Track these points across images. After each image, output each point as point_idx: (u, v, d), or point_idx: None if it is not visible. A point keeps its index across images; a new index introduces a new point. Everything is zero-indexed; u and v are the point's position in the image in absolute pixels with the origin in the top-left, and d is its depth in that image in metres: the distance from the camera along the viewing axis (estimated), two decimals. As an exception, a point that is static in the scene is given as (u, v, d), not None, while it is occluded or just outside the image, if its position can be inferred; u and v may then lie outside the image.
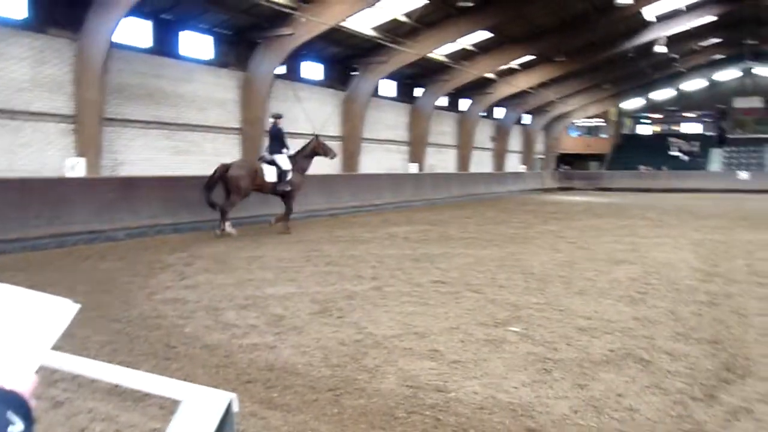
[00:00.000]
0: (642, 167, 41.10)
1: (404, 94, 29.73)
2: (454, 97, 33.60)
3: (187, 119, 19.10)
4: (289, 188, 12.67)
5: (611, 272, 8.24)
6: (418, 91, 30.24)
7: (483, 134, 37.45)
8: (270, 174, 12.50)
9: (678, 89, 47.22)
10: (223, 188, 12.20)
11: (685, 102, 48.08)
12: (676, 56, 37.23)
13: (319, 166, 24.14)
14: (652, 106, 49.54)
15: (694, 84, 46.56)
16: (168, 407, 3.32)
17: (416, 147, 30.01)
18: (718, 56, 40.77)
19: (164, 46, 18.25)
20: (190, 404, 1.46)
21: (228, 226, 12.08)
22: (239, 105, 20.69)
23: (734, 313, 5.94)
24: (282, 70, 21.68)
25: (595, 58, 32.80)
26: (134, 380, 1.67)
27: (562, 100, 39.10)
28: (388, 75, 25.96)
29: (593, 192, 35.72)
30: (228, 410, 1.44)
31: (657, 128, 51.57)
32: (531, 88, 34.34)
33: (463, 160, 34.37)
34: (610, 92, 41.46)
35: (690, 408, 3.56)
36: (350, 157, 25.24)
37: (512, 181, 35.37)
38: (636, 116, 51.75)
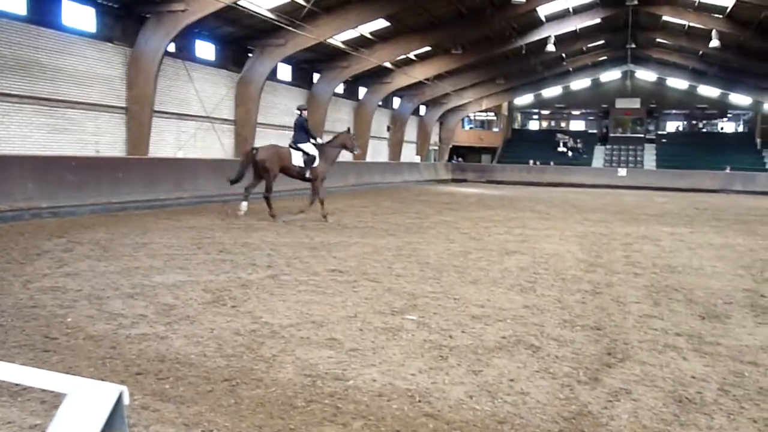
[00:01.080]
0: (531, 162, 42.96)
1: (301, 79, 29.42)
2: (352, 84, 33.66)
3: (66, 95, 17.96)
4: (311, 174, 13.16)
5: (503, 262, 8.57)
6: (315, 77, 30.01)
7: (380, 123, 37.80)
8: (297, 158, 13.05)
9: (565, 88, 49.74)
10: (253, 171, 12.95)
11: (571, 100, 50.89)
12: (564, 56, 39.25)
13: (210, 149, 23.58)
14: (542, 103, 52.03)
15: (580, 83, 49.24)
16: (50, 402, 3.15)
17: (312, 134, 29.82)
18: (602, 58, 43.28)
19: (42, 15, 17.04)
20: (76, 397, 1.38)
21: (244, 206, 12.93)
22: (125, 82, 19.69)
23: (614, 301, 6.36)
24: (173, 47, 20.86)
25: (490, 53, 33.88)
26: (11, 373, 1.54)
27: (457, 92, 40.12)
28: (285, 59, 25.59)
29: (485, 184, 36.99)
30: (118, 403, 1.37)
31: (545, 124, 54.31)
32: (428, 79, 34.98)
33: (360, 149, 34.51)
34: (503, 87, 42.96)
35: (576, 390, 3.78)
36: (244, 142, 24.67)
37: (408, 171, 35.95)
38: (526, 112, 54.17)
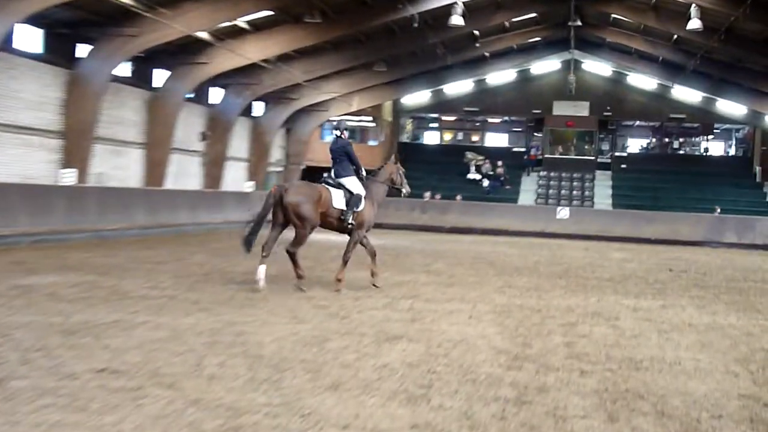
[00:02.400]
0: (428, 195, 43.67)
1: (58, 52, 28.59)
2: (145, 64, 33.16)
3: None
4: (352, 221, 14.43)
5: (381, 354, 8.64)
6: (82, 49, 29.28)
7: (188, 128, 37.36)
8: (338, 200, 14.28)
9: (480, 83, 51.37)
10: (277, 217, 13.94)
11: (488, 102, 52.32)
12: (478, 34, 40.46)
13: None
14: (444, 105, 53.30)
15: (501, 77, 51.11)
16: None
17: (74, 141, 28.87)
18: (533, 39, 45.10)
19: None
20: None
21: (263, 273, 13.56)
22: None
23: (550, 414, 6.54)
24: None
25: (364, 24, 34.37)
26: None
27: (314, 83, 40.50)
28: (30, 17, 24.78)
29: (356, 228, 37.26)
30: None
31: (449, 137, 56.03)
32: (267, 60, 35.04)
33: (156, 168, 33.88)
34: (386, 78, 43.79)
35: None
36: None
37: (234, 205, 35.61)
38: (421, 117, 55.76)
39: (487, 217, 40.09)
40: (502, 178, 48.90)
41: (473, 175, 49.05)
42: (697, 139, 54.88)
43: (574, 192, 48.66)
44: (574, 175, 49.71)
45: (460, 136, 56.15)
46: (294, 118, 45.48)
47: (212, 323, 10.02)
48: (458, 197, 43.82)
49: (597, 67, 50.66)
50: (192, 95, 36.18)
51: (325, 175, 14.91)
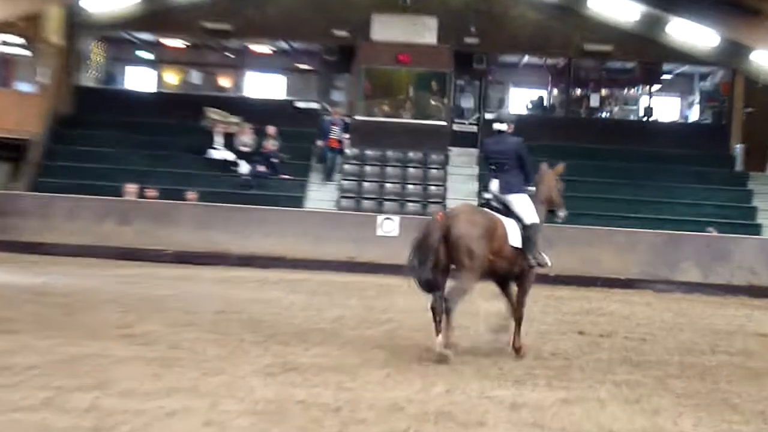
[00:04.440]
0: (133, 188, 42.51)
1: None
2: None
3: None
4: (537, 262, 16.99)
5: None
6: None
7: None
8: (513, 233, 16.47)
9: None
10: (446, 261, 16.18)
11: (252, 16, 51.13)
12: None
13: None
14: (166, 18, 52.28)
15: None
16: None
17: None
18: None
19: None
20: None
21: (442, 342, 15.64)
22: None
23: None
24: None
25: None
26: None
27: None
28: None
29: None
30: None
31: (176, 79, 56.02)
32: None
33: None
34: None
35: None
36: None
37: None
38: (120, 40, 55.21)
39: (250, 233, 39.50)
40: (274, 159, 47.55)
41: (221, 153, 47.84)
42: (633, 91, 55.82)
43: (410, 187, 48.35)
44: (411, 154, 49.30)
45: (195, 77, 55.46)
46: None
47: None
48: (191, 195, 42.95)
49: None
50: None
51: (488, 196, 17.17)
